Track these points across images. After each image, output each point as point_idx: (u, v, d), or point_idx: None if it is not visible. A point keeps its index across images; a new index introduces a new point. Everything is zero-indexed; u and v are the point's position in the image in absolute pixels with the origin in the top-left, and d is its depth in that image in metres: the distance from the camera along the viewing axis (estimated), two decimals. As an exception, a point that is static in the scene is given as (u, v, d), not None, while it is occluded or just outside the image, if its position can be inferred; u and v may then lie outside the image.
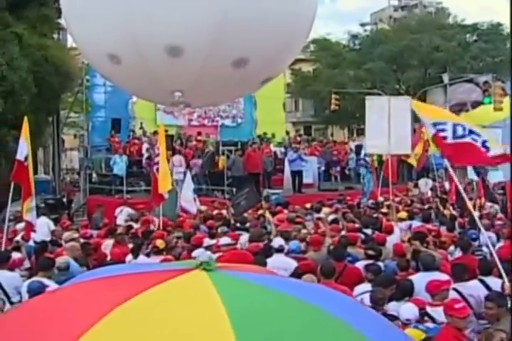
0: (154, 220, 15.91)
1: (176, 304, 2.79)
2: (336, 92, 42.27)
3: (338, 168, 33.04)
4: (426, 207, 19.46)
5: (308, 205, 19.80)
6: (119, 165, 24.33)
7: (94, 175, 27.79)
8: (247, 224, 14.89)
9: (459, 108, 41.00)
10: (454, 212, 17.66)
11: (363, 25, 61.43)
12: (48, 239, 13.47)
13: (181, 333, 2.59)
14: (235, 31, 8.46)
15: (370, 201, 21.12)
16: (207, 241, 12.36)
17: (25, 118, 12.69)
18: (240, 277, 3.18)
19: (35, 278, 9.02)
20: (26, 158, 12.21)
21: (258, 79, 9.82)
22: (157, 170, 14.25)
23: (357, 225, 14.64)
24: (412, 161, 22.16)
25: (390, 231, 13.66)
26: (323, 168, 31.50)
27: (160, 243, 10.92)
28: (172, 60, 8.69)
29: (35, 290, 8.01)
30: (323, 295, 3.24)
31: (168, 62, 8.77)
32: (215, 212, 17.67)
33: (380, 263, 10.29)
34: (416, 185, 27.92)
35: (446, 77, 42.60)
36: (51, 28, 26.96)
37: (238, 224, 15.17)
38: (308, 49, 55.93)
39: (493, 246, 10.95)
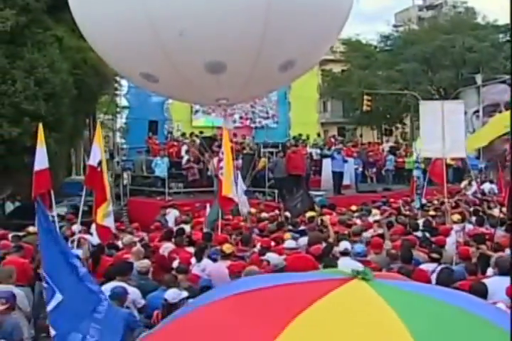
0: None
1: (350, 315, 2.74)
2: (368, 93, 42.12)
3: (374, 169, 32.92)
4: (471, 209, 19.23)
5: (353, 207, 19.69)
6: (161, 166, 24.31)
7: (125, 176, 27.76)
8: (301, 227, 14.85)
9: (492, 109, 40.76)
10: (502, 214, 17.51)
11: (396, 26, 61.29)
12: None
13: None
14: (280, 36, 8.33)
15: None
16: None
17: (98, 125, 12.63)
18: (397, 285, 3.14)
19: (114, 283, 8.97)
20: (99, 163, 12.09)
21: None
22: (222, 174, 14.17)
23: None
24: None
25: (446, 234, 13.52)
26: (360, 169, 31.38)
27: (227, 247, 10.81)
28: (214, 76, 8.57)
29: (120, 296, 7.99)
30: (473, 302, 3.18)
31: (211, 78, 8.66)
32: (265, 214, 17.60)
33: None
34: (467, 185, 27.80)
35: (479, 78, 42.35)
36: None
37: (290, 227, 15.12)
38: (339, 50, 55.77)
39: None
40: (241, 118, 35.99)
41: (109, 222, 12.72)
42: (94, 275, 10.13)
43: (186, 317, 3.01)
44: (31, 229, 14.32)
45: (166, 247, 12.66)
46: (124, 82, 32.10)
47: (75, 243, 12.27)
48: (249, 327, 2.73)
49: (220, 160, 14.72)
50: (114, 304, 7.92)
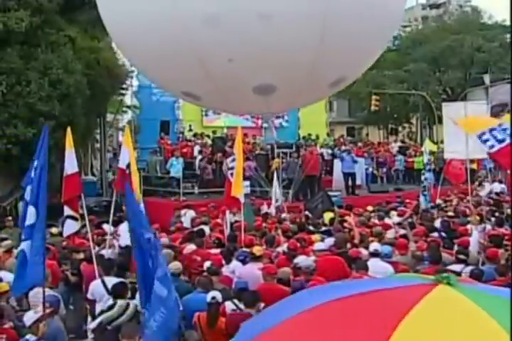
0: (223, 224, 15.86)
1: (449, 319, 2.82)
2: (376, 93, 42.13)
3: (385, 169, 32.90)
4: (487, 209, 19.20)
5: (369, 208, 19.71)
6: (176, 167, 24.32)
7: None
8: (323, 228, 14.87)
9: (500, 109, 40.73)
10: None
11: (404, 26, 61.30)
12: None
13: None
14: (334, 56, 8.30)
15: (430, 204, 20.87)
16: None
17: (127, 128, 12.59)
18: (475, 288, 3.24)
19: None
20: (128, 166, 12.08)
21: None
22: (231, 174, 14.14)
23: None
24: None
25: (466, 234, 13.55)
26: (371, 169, 31.37)
27: (257, 250, 10.81)
28: (263, 97, 8.53)
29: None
30: None
31: (258, 99, 8.61)
32: (286, 215, 17.62)
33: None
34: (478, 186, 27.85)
35: (487, 78, 42.33)
36: (101, 30, 26.99)
37: (311, 228, 15.12)
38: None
39: None
40: (253, 117, 35.99)
41: None
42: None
43: (290, 322, 3.03)
44: (54, 230, 14.34)
45: (189, 248, 12.67)
46: (134, 82, 32.09)
47: (106, 243, 12.28)
48: (357, 335, 2.76)
49: (231, 161, 14.69)
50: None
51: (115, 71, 26.40)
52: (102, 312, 9.17)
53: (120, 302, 7.51)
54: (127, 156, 12.10)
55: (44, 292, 7.82)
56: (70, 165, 11.91)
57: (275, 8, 7.30)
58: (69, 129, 12.29)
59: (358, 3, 7.99)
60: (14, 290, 8.62)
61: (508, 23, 52.67)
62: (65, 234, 13.11)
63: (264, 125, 33.98)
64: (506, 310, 2.81)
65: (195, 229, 14.97)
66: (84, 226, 14.90)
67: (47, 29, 22.15)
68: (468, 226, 14.54)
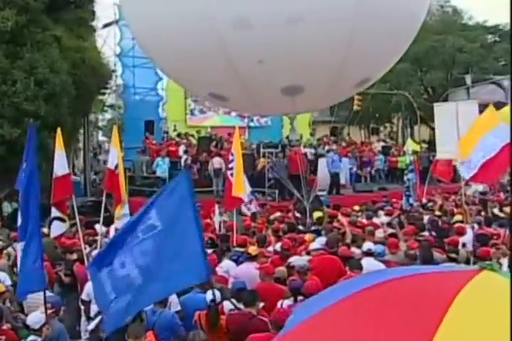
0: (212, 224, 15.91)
1: (496, 303, 2.81)
2: (359, 93, 42.22)
3: (369, 169, 33.05)
4: (473, 208, 19.38)
5: (356, 207, 19.82)
6: (162, 167, 24.33)
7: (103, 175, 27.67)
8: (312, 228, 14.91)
9: (481, 109, 40.91)
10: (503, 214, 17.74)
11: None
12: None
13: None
14: (362, 58, 8.44)
15: (416, 203, 21.02)
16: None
17: (115, 128, 12.61)
18: None
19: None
20: (117, 167, 12.07)
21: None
22: (231, 174, 14.16)
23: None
24: None
25: (461, 233, 13.69)
26: (355, 169, 31.50)
27: (253, 250, 10.84)
28: (290, 98, 8.65)
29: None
30: None
31: (286, 99, 8.73)
32: (275, 214, 17.67)
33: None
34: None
35: (469, 79, 42.57)
36: (87, 30, 26.95)
37: (301, 227, 15.18)
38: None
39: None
40: (240, 116, 36.19)
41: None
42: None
43: (320, 316, 3.04)
44: (45, 230, 14.31)
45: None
46: (119, 81, 32.03)
47: (98, 243, 12.27)
48: (403, 323, 2.78)
49: (230, 161, 14.70)
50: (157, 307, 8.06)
51: (100, 70, 26.33)
52: (99, 313, 9.19)
53: (122, 302, 7.51)
54: (116, 157, 12.10)
55: (45, 293, 7.82)
56: (61, 166, 11.89)
57: (306, 12, 7.38)
58: (59, 130, 12.27)
59: (385, 5, 8.09)
60: (18, 294, 8.56)
61: (489, 24, 53.18)
62: (52, 236, 13.09)
63: (250, 124, 34.12)
64: None
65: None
66: (72, 226, 14.92)
67: (33, 28, 22.03)
68: (463, 225, 14.66)
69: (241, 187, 14.17)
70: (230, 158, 14.22)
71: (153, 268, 6.51)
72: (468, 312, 2.76)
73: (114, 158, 12.26)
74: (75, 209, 12.50)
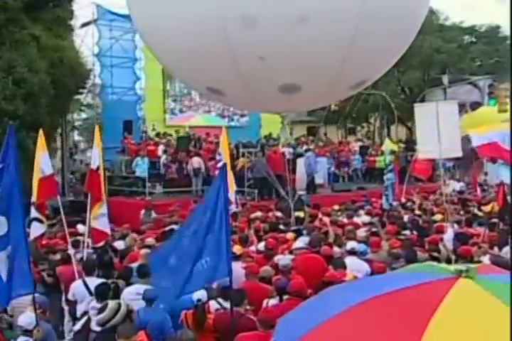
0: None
1: (475, 316, 2.88)
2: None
3: (346, 169, 33.17)
4: (453, 207, 19.52)
5: (336, 207, 19.90)
6: (142, 167, 24.26)
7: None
8: (292, 227, 14.95)
9: (458, 109, 41.19)
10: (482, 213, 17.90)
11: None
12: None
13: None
14: (360, 60, 8.56)
15: (395, 203, 21.13)
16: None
17: (97, 128, 12.56)
18: (493, 278, 3.30)
19: (138, 286, 9.05)
20: (99, 167, 12.03)
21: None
22: (221, 174, 14.11)
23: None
24: None
25: (441, 232, 13.84)
26: (333, 169, 31.58)
27: (237, 249, 10.86)
28: (287, 95, 8.76)
29: (152, 298, 8.09)
30: None
31: (282, 97, 8.84)
32: (257, 214, 17.68)
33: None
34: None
35: (445, 79, 42.79)
36: (65, 29, 26.79)
37: (282, 227, 15.21)
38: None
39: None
40: (219, 116, 36.39)
41: (100, 224, 12.59)
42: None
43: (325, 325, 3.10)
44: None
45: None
46: (97, 81, 31.91)
47: (82, 243, 12.22)
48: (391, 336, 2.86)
49: (218, 161, 14.68)
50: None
51: (79, 70, 26.20)
52: (86, 313, 9.19)
53: (111, 303, 7.50)
54: (98, 157, 12.08)
55: (34, 294, 7.80)
56: (46, 166, 11.82)
57: (312, 12, 7.48)
58: (41, 131, 12.22)
59: (388, 5, 8.20)
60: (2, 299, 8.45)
61: (465, 24, 53.59)
62: (31, 237, 13.03)
63: (231, 124, 34.18)
64: None
65: (167, 228, 14.95)
66: (51, 226, 14.86)
67: (11, 27, 21.90)
68: (444, 224, 14.81)
69: (231, 186, 14.21)
70: (218, 157, 14.18)
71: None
72: (450, 321, 2.84)
73: (96, 158, 12.22)
74: (61, 209, 12.41)
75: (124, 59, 31.63)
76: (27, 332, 7.48)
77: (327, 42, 7.96)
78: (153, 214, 19.87)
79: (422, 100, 38.91)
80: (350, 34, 8.01)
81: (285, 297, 8.59)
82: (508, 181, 17.04)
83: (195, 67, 8.85)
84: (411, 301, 3.07)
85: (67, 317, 10.59)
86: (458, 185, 30.54)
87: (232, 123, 36.43)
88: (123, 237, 14.36)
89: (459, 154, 15.86)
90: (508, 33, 54.19)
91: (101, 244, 12.71)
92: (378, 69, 10.05)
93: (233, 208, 17.77)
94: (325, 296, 3.78)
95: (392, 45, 9.20)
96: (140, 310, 8.13)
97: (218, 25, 7.65)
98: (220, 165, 14.33)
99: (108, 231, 12.98)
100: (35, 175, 11.98)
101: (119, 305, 7.46)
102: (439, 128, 14.34)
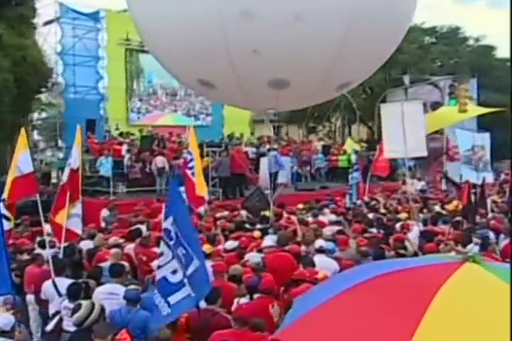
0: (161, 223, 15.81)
1: (479, 295, 3.01)
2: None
3: (308, 168, 33.29)
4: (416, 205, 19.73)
5: (300, 206, 20.00)
6: (106, 166, 24.12)
7: (53, 175, 27.41)
8: (258, 226, 15.00)
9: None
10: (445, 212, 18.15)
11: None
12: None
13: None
14: (348, 61, 8.76)
15: (359, 201, 21.31)
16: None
17: (79, 128, 12.48)
18: (497, 265, 3.43)
19: (111, 285, 9.06)
20: (79, 168, 11.98)
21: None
22: (192, 174, 14.12)
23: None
24: None
25: (406, 229, 14.06)
26: (296, 168, 31.67)
27: (207, 248, 10.92)
28: (275, 91, 8.91)
29: (135, 298, 8.12)
30: None
31: (271, 93, 8.99)
32: (222, 213, 17.72)
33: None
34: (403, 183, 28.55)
35: (407, 79, 43.14)
36: (28, 27, 26.59)
37: (248, 225, 15.26)
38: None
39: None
40: (185, 115, 36.40)
41: (71, 224, 12.49)
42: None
43: (319, 309, 3.17)
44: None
45: (130, 248, 12.71)
46: (60, 79, 31.64)
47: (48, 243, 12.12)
48: (387, 318, 2.93)
49: (189, 161, 14.66)
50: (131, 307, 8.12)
51: (42, 69, 26.02)
52: (57, 313, 9.16)
53: (85, 302, 7.51)
54: (77, 157, 12.01)
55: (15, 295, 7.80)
56: (24, 165, 11.72)
57: (307, 11, 7.65)
58: (23, 130, 12.15)
59: (378, 10, 8.41)
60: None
61: (427, 25, 54.10)
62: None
63: (197, 123, 34.17)
64: None
65: (132, 228, 14.93)
66: (17, 226, 14.73)
67: (-27, 25, 21.74)
68: (409, 222, 15.03)
69: (203, 186, 14.25)
70: (189, 157, 14.16)
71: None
72: (452, 303, 2.92)
73: (75, 158, 12.13)
74: (40, 207, 12.18)
75: (86, 58, 31.39)
76: (4, 333, 7.43)
77: (319, 41, 8.16)
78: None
79: (384, 100, 39.23)
80: (342, 34, 8.21)
81: (256, 295, 8.66)
82: (473, 181, 17.39)
83: (189, 58, 8.96)
84: (414, 281, 3.17)
85: (32, 318, 10.58)
86: (419, 184, 30.81)
87: (199, 122, 36.35)
88: (90, 237, 14.27)
89: (424, 153, 16.08)
90: (467, 34, 55.18)
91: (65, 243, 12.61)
92: (365, 71, 10.26)
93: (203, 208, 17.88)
94: (328, 282, 3.88)
95: (381, 47, 9.43)
96: (122, 309, 8.15)
97: (216, 16, 7.79)
98: (191, 165, 14.35)
99: (79, 232, 12.83)
100: (10, 174, 11.89)
101: (93, 304, 7.48)
102: (404, 128, 14.53)
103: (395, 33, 9.71)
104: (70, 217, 12.42)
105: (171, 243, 7.41)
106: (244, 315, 7.14)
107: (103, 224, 18.26)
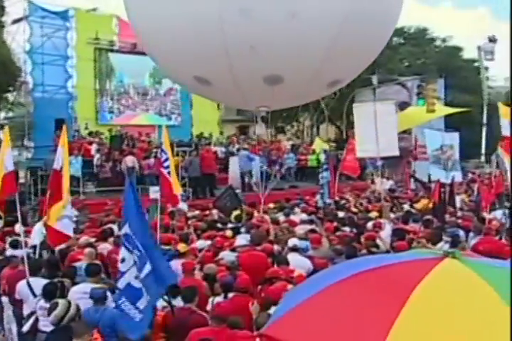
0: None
1: (455, 291, 3.05)
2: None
3: (277, 167, 33.31)
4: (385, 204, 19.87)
5: (271, 205, 20.05)
6: (75, 166, 23.93)
7: (21, 175, 27.17)
8: (229, 225, 15.05)
9: (390, 108, 41.93)
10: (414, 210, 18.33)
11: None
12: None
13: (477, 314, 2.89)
14: (339, 59, 8.96)
15: (328, 200, 21.40)
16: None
17: (64, 128, 12.42)
18: (479, 261, 3.52)
19: (87, 285, 9.05)
20: (62, 167, 11.89)
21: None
22: (168, 173, 14.06)
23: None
24: None
25: (378, 228, 14.20)
26: (265, 167, 31.70)
27: (182, 247, 10.97)
28: (270, 87, 9.06)
29: (101, 297, 8.11)
30: None
31: (265, 89, 9.12)
32: (194, 212, 17.76)
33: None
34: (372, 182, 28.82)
35: (375, 79, 43.40)
36: (-4, 25, 26.40)
37: (219, 225, 15.30)
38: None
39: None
40: (157, 114, 36.37)
41: (63, 226, 12.36)
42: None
43: (306, 303, 3.23)
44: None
45: (104, 248, 12.67)
46: (29, 79, 31.37)
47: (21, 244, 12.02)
48: (367, 312, 2.99)
49: (164, 160, 14.58)
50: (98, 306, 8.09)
51: (11, 67, 25.80)
52: (32, 313, 9.11)
53: (62, 301, 7.49)
54: (61, 158, 11.92)
55: None
56: (57, 162, 11.68)
57: (303, 9, 7.85)
58: (7, 128, 12.07)
59: (369, 12, 8.60)
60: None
61: (397, 26, 54.46)
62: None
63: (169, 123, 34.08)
64: (507, 281, 3.06)
65: (104, 227, 14.89)
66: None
67: None
68: (381, 221, 15.17)
69: (178, 185, 14.26)
70: (164, 156, 14.11)
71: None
72: (429, 299, 2.98)
73: (60, 159, 12.03)
74: (18, 206, 12.04)
75: (55, 57, 31.22)
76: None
77: (313, 38, 8.36)
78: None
79: (352, 100, 39.44)
80: (335, 33, 8.42)
81: (231, 294, 8.71)
82: (442, 180, 17.58)
83: (186, 54, 9.04)
84: (394, 276, 3.22)
85: (6, 319, 10.52)
86: (388, 183, 31.05)
87: (171, 122, 36.33)
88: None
89: (396, 153, 16.28)
90: (434, 35, 55.69)
91: (35, 243, 12.54)
92: (354, 71, 10.48)
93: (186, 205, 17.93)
94: (311, 279, 3.93)
95: (370, 46, 9.64)
96: (90, 309, 8.15)
97: (214, 12, 7.91)
98: (166, 164, 14.26)
99: (70, 234, 12.55)
100: None
101: (69, 302, 7.46)
102: (376, 127, 14.68)
103: (383, 34, 9.95)
104: (61, 219, 12.32)
105: (131, 248, 7.38)
106: (222, 313, 7.18)
107: (74, 224, 18.15)
